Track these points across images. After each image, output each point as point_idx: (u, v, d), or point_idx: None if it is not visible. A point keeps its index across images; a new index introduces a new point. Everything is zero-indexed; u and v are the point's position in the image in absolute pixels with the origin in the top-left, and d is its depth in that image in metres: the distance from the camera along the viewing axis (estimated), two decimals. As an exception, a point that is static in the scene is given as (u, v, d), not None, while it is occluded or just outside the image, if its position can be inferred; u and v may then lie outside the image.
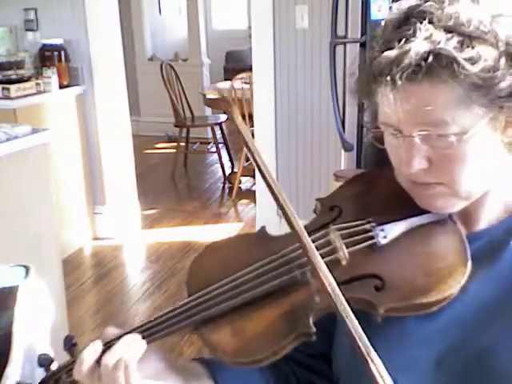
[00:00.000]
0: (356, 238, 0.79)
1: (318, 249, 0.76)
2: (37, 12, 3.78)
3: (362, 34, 2.53)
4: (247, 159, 4.88)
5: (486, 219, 0.82)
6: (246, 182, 5.07)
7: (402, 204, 0.81)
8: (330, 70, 2.57)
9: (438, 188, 0.77)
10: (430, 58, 0.69)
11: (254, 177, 3.75)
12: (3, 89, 3.36)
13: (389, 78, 0.71)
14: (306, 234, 0.73)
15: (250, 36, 3.62)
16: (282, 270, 0.78)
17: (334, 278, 0.70)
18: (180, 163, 5.59)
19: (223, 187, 5.11)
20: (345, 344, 0.86)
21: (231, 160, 5.48)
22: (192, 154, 5.84)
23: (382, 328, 0.70)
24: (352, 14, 2.64)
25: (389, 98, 0.74)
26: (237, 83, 4.60)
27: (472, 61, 0.69)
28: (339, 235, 0.79)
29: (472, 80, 0.70)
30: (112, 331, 0.79)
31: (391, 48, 0.72)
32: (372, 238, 0.79)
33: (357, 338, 0.66)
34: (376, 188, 0.89)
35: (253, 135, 3.70)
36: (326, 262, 0.74)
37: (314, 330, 0.72)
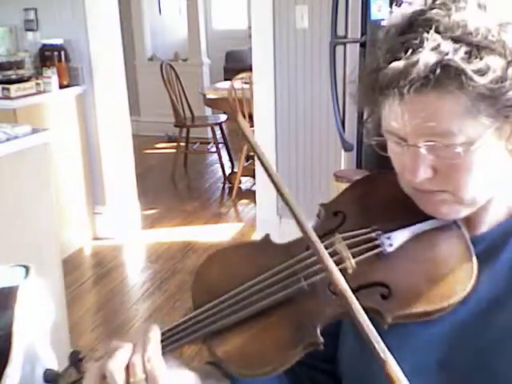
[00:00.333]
0: (362, 246, 0.79)
1: None
2: (37, 12, 3.78)
3: (362, 34, 2.54)
4: (247, 159, 4.88)
5: (488, 223, 0.82)
6: (245, 182, 5.07)
7: (407, 209, 0.81)
8: (330, 70, 2.57)
9: (442, 195, 0.76)
10: (438, 70, 0.68)
11: (254, 177, 3.75)
12: (3, 89, 3.37)
13: (396, 90, 0.70)
14: (320, 243, 0.72)
15: (250, 36, 3.62)
16: (289, 281, 0.77)
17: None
18: (180, 163, 5.59)
19: (223, 187, 5.11)
20: (349, 346, 0.86)
21: (231, 160, 5.48)
22: (192, 154, 5.84)
23: (384, 332, 0.70)
24: (352, 14, 2.64)
25: (396, 111, 0.73)
26: (237, 83, 4.60)
27: (480, 72, 0.68)
28: (345, 245, 0.79)
29: (480, 91, 0.69)
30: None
31: (398, 59, 0.70)
32: (378, 246, 0.79)
33: (374, 343, 0.66)
34: (379, 193, 0.88)
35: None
36: None
37: (322, 340, 0.72)
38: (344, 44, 2.80)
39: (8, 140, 2.17)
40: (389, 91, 0.72)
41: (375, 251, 0.79)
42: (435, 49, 0.69)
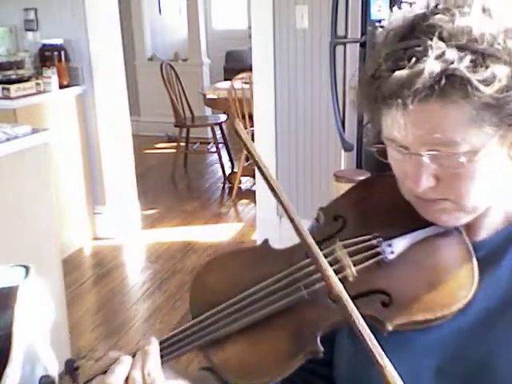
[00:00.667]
0: (363, 254, 0.78)
1: None
2: (37, 12, 3.78)
3: (362, 34, 2.53)
4: (247, 159, 4.88)
5: (487, 229, 0.81)
6: (246, 182, 5.06)
7: (407, 215, 0.80)
8: (330, 70, 2.57)
9: (444, 204, 0.75)
10: (443, 81, 0.66)
11: (254, 177, 3.75)
12: (3, 89, 3.36)
13: (400, 100, 0.69)
14: (319, 253, 0.72)
15: (250, 36, 3.62)
16: (289, 290, 0.76)
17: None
18: (180, 163, 5.58)
19: (223, 187, 5.11)
20: (345, 350, 0.85)
21: (231, 160, 5.48)
22: (192, 154, 5.84)
23: (381, 339, 0.69)
24: (352, 14, 2.64)
25: (399, 122, 0.71)
26: (237, 83, 4.60)
27: (486, 82, 0.67)
28: (346, 252, 0.78)
29: (485, 101, 0.67)
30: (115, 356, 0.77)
31: (401, 67, 0.68)
32: (379, 253, 0.78)
33: (372, 349, 0.66)
34: (379, 197, 0.87)
35: (253, 135, 3.70)
36: None
37: (322, 349, 0.72)
38: (344, 44, 2.80)
39: (8, 140, 2.17)
40: (392, 101, 0.70)
41: (376, 259, 0.78)
42: (440, 57, 0.67)
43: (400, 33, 0.72)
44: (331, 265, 0.75)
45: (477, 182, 0.73)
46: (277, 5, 3.37)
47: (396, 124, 0.72)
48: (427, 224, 0.79)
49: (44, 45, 3.72)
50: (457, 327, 0.76)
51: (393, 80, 0.69)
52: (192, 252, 3.76)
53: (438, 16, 0.70)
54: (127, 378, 0.72)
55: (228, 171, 5.32)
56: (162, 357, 0.75)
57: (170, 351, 0.76)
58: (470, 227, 0.81)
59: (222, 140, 5.64)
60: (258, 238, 3.79)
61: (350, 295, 0.72)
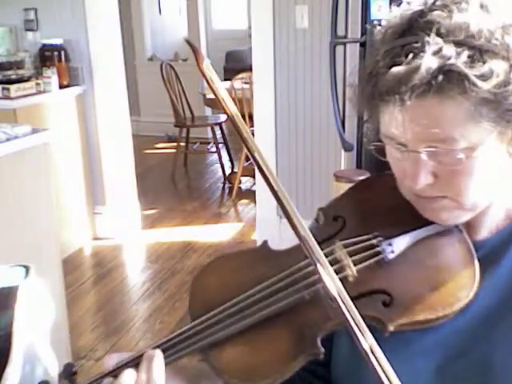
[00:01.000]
0: (363, 254, 0.78)
1: None
2: (37, 12, 3.78)
3: (362, 34, 2.53)
4: (247, 159, 4.88)
5: (488, 227, 0.81)
6: (245, 182, 5.06)
7: (407, 214, 0.79)
8: (330, 70, 2.57)
9: (443, 201, 0.75)
10: (441, 76, 0.66)
11: (254, 177, 3.75)
12: (3, 89, 3.36)
13: (397, 96, 0.68)
14: (324, 258, 0.71)
15: (250, 36, 3.62)
16: (290, 291, 0.76)
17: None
18: (180, 163, 5.58)
19: (223, 187, 5.11)
20: (343, 354, 0.84)
21: (231, 160, 5.48)
22: (192, 154, 5.84)
23: (380, 339, 0.69)
24: (352, 14, 2.64)
25: (397, 118, 0.71)
26: (237, 83, 4.60)
27: (484, 77, 0.66)
28: (346, 252, 0.77)
29: (483, 96, 0.67)
30: (112, 361, 0.76)
31: (398, 63, 0.68)
32: (379, 253, 0.77)
33: (368, 351, 0.65)
34: (379, 197, 0.87)
35: (253, 135, 3.69)
36: None
37: (323, 350, 0.72)
38: (344, 44, 2.80)
39: (8, 140, 2.17)
40: (389, 97, 0.70)
41: (376, 258, 0.77)
42: (437, 53, 0.67)
43: (398, 30, 0.72)
44: (332, 265, 0.75)
45: (475, 178, 0.72)
46: (277, 5, 3.37)
47: (394, 120, 0.72)
48: (428, 223, 0.78)
49: (44, 45, 3.72)
50: (457, 327, 0.76)
51: (390, 76, 0.69)
52: (192, 252, 3.76)
53: (435, 12, 0.70)
54: None
55: (228, 171, 5.32)
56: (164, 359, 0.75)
57: (168, 354, 0.75)
58: (470, 226, 0.80)
59: (222, 140, 5.64)
60: (257, 237, 3.78)
61: (350, 296, 0.72)
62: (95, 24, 3.69)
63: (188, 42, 0.74)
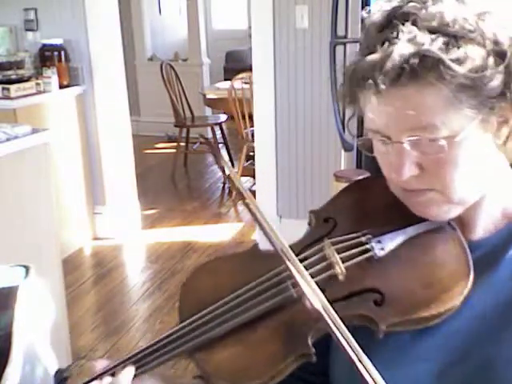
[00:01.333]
0: (352, 251, 0.77)
1: (313, 265, 0.74)
2: (37, 12, 3.78)
3: (362, 34, 2.53)
4: (247, 159, 4.88)
5: (484, 227, 0.80)
6: (246, 182, 5.06)
7: (398, 213, 0.78)
8: (330, 70, 2.57)
9: (430, 194, 0.74)
10: (415, 60, 0.67)
11: (254, 177, 3.75)
12: (3, 89, 3.37)
13: (371, 81, 0.69)
14: (292, 254, 0.71)
15: (250, 36, 3.62)
16: (277, 290, 0.75)
17: (331, 294, 0.69)
18: (180, 163, 5.59)
19: (223, 187, 5.11)
20: (342, 361, 0.82)
21: (231, 160, 5.48)
22: (192, 154, 5.84)
23: (379, 344, 0.68)
24: (352, 14, 2.64)
25: (372, 103, 0.71)
26: (237, 83, 4.60)
27: (459, 61, 0.67)
28: (334, 249, 0.77)
29: (460, 81, 0.67)
30: (101, 364, 0.77)
31: (374, 52, 0.70)
32: (369, 250, 0.76)
33: (354, 357, 0.64)
34: (371, 198, 0.86)
35: (253, 135, 3.70)
36: (322, 279, 0.72)
37: (314, 350, 0.70)
38: (344, 44, 2.80)
39: (8, 140, 2.17)
40: (364, 83, 0.70)
41: (366, 256, 0.76)
42: (411, 40, 0.68)
43: (379, 26, 0.73)
44: (320, 262, 0.75)
45: (460, 169, 0.72)
46: (277, 5, 3.38)
47: (369, 105, 0.73)
48: (419, 221, 0.78)
49: (44, 45, 3.72)
50: (455, 330, 0.75)
51: (365, 63, 0.70)
52: (192, 252, 3.76)
53: (411, 4, 0.71)
54: None
55: (228, 171, 5.31)
56: (147, 363, 0.75)
57: (157, 356, 0.75)
58: (464, 225, 0.80)
59: (222, 140, 5.64)
60: (257, 238, 3.78)
61: (341, 295, 0.72)
62: (95, 24, 3.69)
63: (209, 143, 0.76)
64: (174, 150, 5.52)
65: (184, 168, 5.66)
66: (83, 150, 3.82)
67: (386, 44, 0.69)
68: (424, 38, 0.68)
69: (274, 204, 3.59)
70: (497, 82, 0.68)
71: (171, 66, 5.54)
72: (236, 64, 7.57)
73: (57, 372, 0.76)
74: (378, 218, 0.82)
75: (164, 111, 6.23)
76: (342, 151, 2.89)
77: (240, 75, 4.71)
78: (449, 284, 0.72)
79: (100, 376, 0.75)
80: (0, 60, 3.61)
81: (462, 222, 0.79)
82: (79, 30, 3.70)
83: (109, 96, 3.81)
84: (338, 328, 0.66)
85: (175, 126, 5.47)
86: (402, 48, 0.67)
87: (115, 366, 0.76)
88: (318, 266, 0.76)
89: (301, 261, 0.74)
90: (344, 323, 0.67)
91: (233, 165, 5.40)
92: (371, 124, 0.74)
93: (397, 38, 0.68)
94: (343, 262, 0.75)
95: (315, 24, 3.32)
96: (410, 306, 0.71)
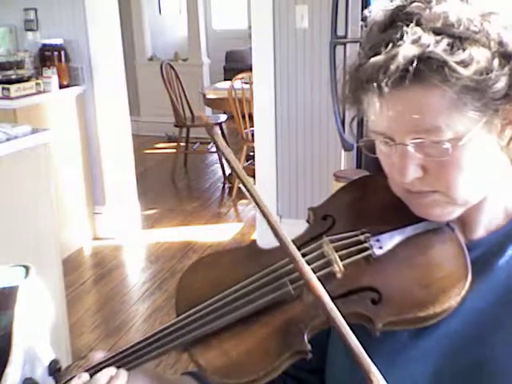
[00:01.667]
0: (350, 249, 0.76)
1: (311, 262, 0.74)
2: (37, 12, 3.78)
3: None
4: (247, 159, 4.88)
5: (485, 227, 0.80)
6: (245, 182, 5.06)
7: (398, 212, 0.78)
8: (330, 70, 2.57)
9: (433, 196, 0.74)
10: (419, 62, 0.66)
11: (254, 177, 3.75)
12: (3, 89, 3.37)
13: (375, 84, 0.68)
14: (296, 250, 0.71)
15: (250, 36, 3.62)
16: (275, 286, 0.75)
17: (329, 292, 0.68)
18: (180, 163, 5.59)
19: (223, 187, 5.11)
20: (342, 360, 0.83)
21: (231, 160, 5.47)
22: (192, 154, 5.84)
23: (377, 344, 0.68)
24: (352, 14, 2.64)
25: (376, 106, 0.71)
26: (237, 83, 4.60)
27: (464, 64, 0.66)
28: (333, 247, 0.76)
29: (464, 83, 0.66)
30: (98, 356, 0.78)
31: (378, 53, 0.69)
32: (367, 249, 0.76)
33: (357, 353, 0.64)
34: (370, 196, 0.86)
35: (253, 135, 3.69)
36: (320, 276, 0.72)
37: (310, 347, 0.70)
38: (344, 44, 2.80)
39: (8, 140, 2.17)
40: (368, 86, 0.70)
41: (364, 254, 0.76)
42: (416, 41, 0.67)
43: (382, 26, 0.72)
44: (318, 259, 0.75)
45: (465, 171, 0.71)
46: (277, 5, 3.38)
47: (373, 108, 0.72)
48: (419, 221, 0.77)
49: (44, 45, 3.72)
50: (453, 330, 0.75)
51: (369, 65, 0.69)
52: (192, 252, 3.76)
53: (414, 4, 0.70)
54: None
55: (228, 171, 5.32)
56: (143, 355, 0.76)
57: (152, 348, 0.75)
58: (465, 224, 0.79)
59: (221, 140, 5.62)
60: (257, 237, 3.78)
61: (339, 293, 0.72)
62: (95, 24, 3.69)
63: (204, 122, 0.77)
64: (173, 150, 5.52)
65: (184, 168, 5.66)
66: (83, 150, 3.82)
67: (390, 45, 0.68)
68: (429, 40, 0.67)
69: (274, 204, 3.59)
70: (501, 84, 0.68)
71: (171, 66, 5.54)
72: (236, 64, 7.57)
73: (51, 362, 0.76)
74: (376, 216, 0.81)
75: (164, 111, 6.23)
76: (342, 151, 2.89)
77: (240, 75, 4.71)
78: (446, 284, 0.72)
79: (94, 368, 0.76)
80: (0, 60, 3.61)
81: (464, 222, 0.79)
82: (79, 30, 3.71)
83: (109, 96, 3.81)
84: (339, 321, 0.66)
85: (175, 126, 5.47)
86: (406, 50, 0.66)
87: (112, 358, 0.77)
88: (317, 263, 0.76)
89: None
90: None
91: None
92: (375, 126, 0.74)
93: (401, 39, 0.68)
94: (341, 260, 0.75)
95: (315, 24, 3.32)
96: (406, 306, 0.71)
